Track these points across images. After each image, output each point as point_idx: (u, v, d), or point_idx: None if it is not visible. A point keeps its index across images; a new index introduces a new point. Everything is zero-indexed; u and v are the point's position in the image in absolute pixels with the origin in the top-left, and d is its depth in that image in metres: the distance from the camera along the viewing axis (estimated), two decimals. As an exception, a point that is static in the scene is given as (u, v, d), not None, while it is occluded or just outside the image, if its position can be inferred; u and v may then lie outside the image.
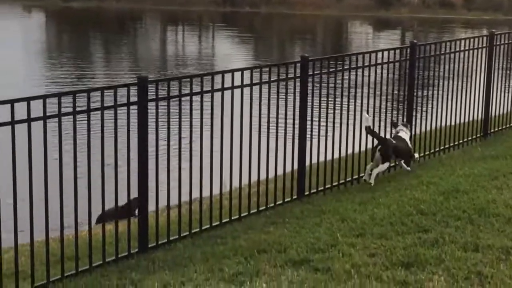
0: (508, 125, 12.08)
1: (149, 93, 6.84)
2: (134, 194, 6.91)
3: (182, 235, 7.24)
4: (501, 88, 11.94)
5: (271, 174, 8.28)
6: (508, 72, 12.34)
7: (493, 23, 42.92)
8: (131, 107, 6.76)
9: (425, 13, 52.73)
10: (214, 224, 7.56)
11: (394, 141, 9.14)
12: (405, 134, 9.40)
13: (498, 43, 11.59)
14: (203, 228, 7.45)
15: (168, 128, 7.06)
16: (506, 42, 11.91)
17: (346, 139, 9.06)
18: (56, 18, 51.34)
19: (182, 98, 7.16)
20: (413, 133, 9.98)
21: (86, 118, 6.40)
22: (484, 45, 11.36)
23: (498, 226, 6.61)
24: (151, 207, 7.08)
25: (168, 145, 7.06)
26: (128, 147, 6.73)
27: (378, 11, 53.32)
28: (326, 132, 8.81)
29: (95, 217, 6.89)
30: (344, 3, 55.01)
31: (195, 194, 7.39)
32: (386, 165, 9.04)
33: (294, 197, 8.48)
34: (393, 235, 6.57)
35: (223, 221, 7.66)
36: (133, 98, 6.77)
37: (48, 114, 6.15)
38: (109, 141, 6.57)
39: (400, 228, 6.75)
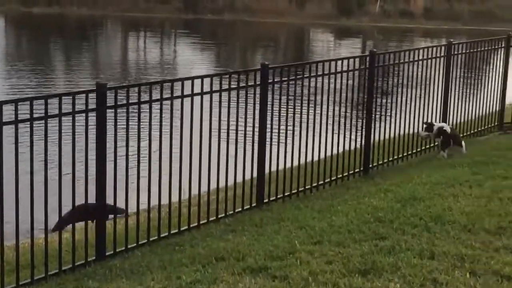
0: (465, 134, 12.25)
1: (107, 100, 6.80)
2: (92, 200, 6.85)
3: (140, 242, 7.20)
4: (458, 97, 12.11)
5: (231, 182, 8.28)
6: (465, 81, 12.53)
7: (452, 33, 43.56)
8: (90, 113, 6.71)
9: (386, 22, 53.30)
10: (172, 231, 7.53)
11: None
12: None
13: (455, 52, 11.76)
14: (161, 235, 7.41)
15: (127, 135, 7.02)
16: (464, 51, 12.09)
17: (305, 147, 9.10)
18: (16, 23, 50.70)
19: (142, 105, 7.12)
20: (372, 140, 10.07)
21: (43, 125, 6.34)
22: (442, 54, 11.53)
23: (454, 234, 6.68)
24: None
25: (127, 152, 7.02)
26: (86, 154, 6.67)
27: (340, 20, 53.75)
28: (286, 140, 8.83)
29: (52, 224, 6.80)
30: (306, 11, 55.36)
31: (154, 201, 7.35)
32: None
33: (254, 204, 8.49)
34: (351, 243, 6.60)
35: (182, 228, 7.63)
36: (92, 106, 6.73)
37: (4, 121, 6.07)
38: (68, 147, 6.52)
39: (358, 236, 6.78)
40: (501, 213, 7.15)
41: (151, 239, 7.30)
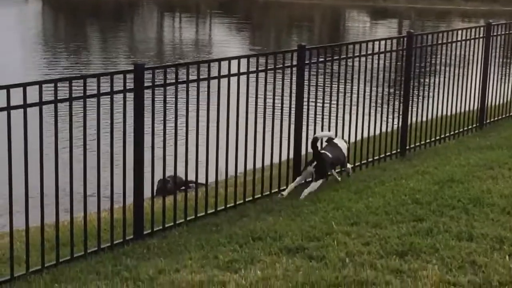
0: (504, 115, 12.10)
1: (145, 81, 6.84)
2: (130, 180, 6.91)
3: (177, 222, 7.25)
4: (497, 79, 11.95)
5: (268, 162, 8.28)
6: (505, 62, 12.34)
7: (490, 14, 42.89)
8: (127, 94, 6.75)
9: (423, 3, 52.64)
10: (209, 212, 7.57)
11: (330, 155, 8.35)
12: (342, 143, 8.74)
13: (495, 33, 11.59)
14: (198, 215, 7.46)
15: (164, 116, 7.06)
16: (503, 32, 11.91)
17: (342, 128, 9.05)
18: (53, 6, 51.08)
19: (179, 86, 7.15)
20: (409, 122, 9.99)
21: (82, 105, 6.41)
22: (481, 35, 11.36)
23: (493, 216, 6.63)
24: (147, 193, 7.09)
25: (165, 133, 7.07)
26: (124, 134, 6.73)
27: (376, 1, 53.22)
28: (322, 121, 8.80)
29: (90, 203, 6.86)
30: (341, -8, 54.87)
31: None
32: (319, 182, 8.15)
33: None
34: (388, 224, 6.59)
35: (218, 209, 7.67)
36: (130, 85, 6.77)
37: (43, 100, 6.14)
38: (106, 128, 6.58)
39: (395, 217, 6.76)
40: (541, 195, 7.07)
41: (188, 218, 7.35)
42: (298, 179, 8.30)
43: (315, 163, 8.15)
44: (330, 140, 8.63)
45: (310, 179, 8.23)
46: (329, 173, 8.42)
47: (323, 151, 8.35)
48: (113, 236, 6.72)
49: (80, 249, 6.50)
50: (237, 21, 42.96)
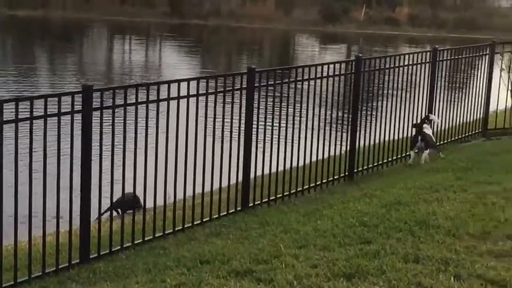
0: (450, 139, 12.31)
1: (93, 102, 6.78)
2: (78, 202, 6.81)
3: (124, 245, 7.17)
4: (443, 103, 12.17)
5: (216, 186, 8.26)
6: (450, 87, 12.58)
7: (436, 40, 43.78)
8: (75, 115, 6.68)
9: (371, 29, 53.50)
10: (157, 235, 7.50)
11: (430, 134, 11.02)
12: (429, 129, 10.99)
13: (441, 58, 11.82)
14: (146, 239, 7.38)
15: (113, 138, 7.00)
16: (449, 58, 12.16)
17: (291, 151, 9.10)
18: (1, 27, 50.41)
19: (128, 108, 7.10)
20: (357, 145, 10.11)
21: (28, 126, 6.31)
22: (428, 60, 11.58)
23: (438, 238, 6.70)
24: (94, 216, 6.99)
25: (112, 155, 7.01)
26: (71, 155, 6.65)
27: (325, 26, 53.89)
28: (271, 144, 8.83)
29: (35, 227, 6.73)
30: (292, 17, 55.47)
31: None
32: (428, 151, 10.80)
33: (239, 208, 8.48)
34: (336, 247, 6.61)
35: (166, 232, 7.61)
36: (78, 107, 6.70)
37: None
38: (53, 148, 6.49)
39: (343, 240, 6.79)
40: (485, 218, 7.18)
41: (135, 242, 7.27)
42: (412, 153, 10.92)
43: (420, 138, 10.75)
44: (420, 126, 10.96)
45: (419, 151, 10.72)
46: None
47: (424, 131, 10.83)
48: (58, 260, 6.60)
49: (24, 274, 6.37)
50: (187, 44, 42.99)
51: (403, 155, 11.14)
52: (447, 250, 6.35)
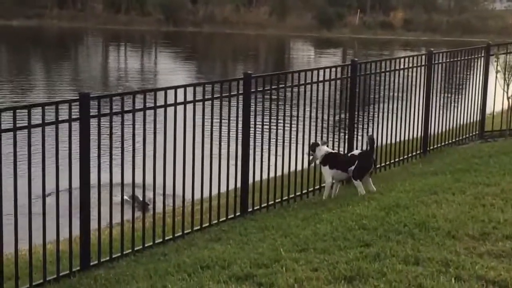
0: (446, 142, 12.33)
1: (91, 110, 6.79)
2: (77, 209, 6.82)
3: (124, 252, 7.17)
4: (439, 106, 12.19)
5: (215, 191, 8.27)
6: (446, 90, 12.62)
7: (431, 44, 43.90)
8: (73, 123, 6.69)
9: (366, 34, 53.63)
10: (157, 241, 7.51)
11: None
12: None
13: (436, 61, 11.86)
14: (146, 245, 7.39)
15: (111, 145, 7.01)
16: (444, 61, 12.19)
17: (289, 156, 9.11)
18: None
19: (125, 115, 7.11)
20: (355, 149, 10.12)
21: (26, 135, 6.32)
22: (423, 63, 11.61)
23: (438, 240, 6.71)
24: (94, 224, 6.99)
25: (111, 162, 7.01)
26: (69, 163, 6.65)
27: (320, 32, 54.00)
28: (269, 149, 8.85)
29: (36, 235, 6.73)
30: (286, 23, 55.56)
31: (138, 211, 7.34)
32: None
33: (238, 213, 8.49)
34: (336, 250, 6.61)
35: (166, 238, 7.61)
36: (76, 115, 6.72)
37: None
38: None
39: (343, 243, 6.79)
40: (484, 219, 7.20)
41: (135, 248, 7.27)
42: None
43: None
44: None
45: None
46: None
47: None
48: (59, 268, 6.60)
49: (25, 282, 6.36)
50: (183, 51, 43.02)
51: (401, 158, 11.15)
52: (447, 251, 6.36)
